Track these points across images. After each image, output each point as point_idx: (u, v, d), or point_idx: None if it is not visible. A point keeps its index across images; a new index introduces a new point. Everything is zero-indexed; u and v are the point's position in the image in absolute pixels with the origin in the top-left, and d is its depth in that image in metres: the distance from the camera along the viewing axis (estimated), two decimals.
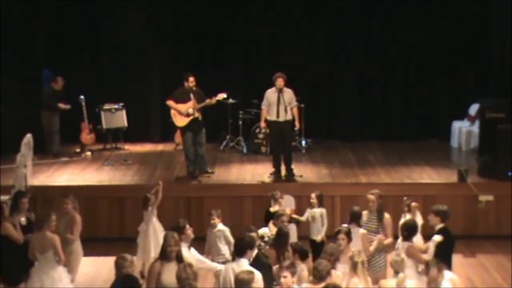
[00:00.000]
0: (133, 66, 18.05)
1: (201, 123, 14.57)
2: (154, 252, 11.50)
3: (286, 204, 12.43)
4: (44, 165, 15.65)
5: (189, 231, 9.70)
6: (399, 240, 10.00)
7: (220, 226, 11.23)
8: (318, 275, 8.26)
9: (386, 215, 10.93)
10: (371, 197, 10.98)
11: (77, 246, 11.28)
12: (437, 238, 9.88)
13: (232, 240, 10.96)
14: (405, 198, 11.51)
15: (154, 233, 12.08)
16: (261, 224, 12.07)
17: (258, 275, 8.29)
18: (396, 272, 8.90)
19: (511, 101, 15.36)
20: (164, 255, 8.84)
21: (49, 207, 12.07)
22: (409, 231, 9.96)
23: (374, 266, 10.48)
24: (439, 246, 9.76)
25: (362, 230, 10.57)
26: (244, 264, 8.52)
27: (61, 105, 16.43)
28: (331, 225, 12.84)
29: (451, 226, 13.25)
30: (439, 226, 10.03)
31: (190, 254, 9.46)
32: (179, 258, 8.88)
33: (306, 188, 13.66)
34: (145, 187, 14.35)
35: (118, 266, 8.45)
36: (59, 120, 16.46)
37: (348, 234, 9.73)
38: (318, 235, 11.70)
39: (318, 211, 11.77)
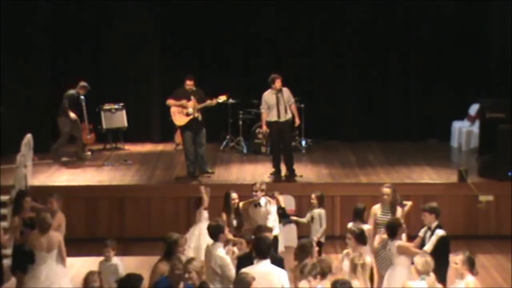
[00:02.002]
0: (133, 66, 18.06)
1: (201, 123, 14.57)
2: (192, 253, 11.15)
3: (286, 204, 12.43)
4: (44, 165, 15.64)
5: (227, 231, 9.47)
6: (389, 241, 9.94)
7: (114, 260, 10.09)
8: (321, 272, 8.25)
9: (399, 209, 10.81)
10: (387, 190, 10.85)
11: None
12: (440, 232, 9.85)
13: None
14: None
15: (198, 236, 11.68)
16: None
17: (284, 274, 8.39)
18: (424, 274, 8.63)
19: (511, 101, 15.36)
20: (170, 255, 8.81)
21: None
22: (391, 229, 9.91)
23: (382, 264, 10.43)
24: (441, 240, 9.73)
25: (366, 226, 10.56)
26: (267, 264, 8.44)
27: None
28: (331, 225, 12.88)
29: (451, 226, 13.34)
30: (435, 223, 10.00)
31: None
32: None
33: (306, 188, 13.66)
34: (145, 187, 14.40)
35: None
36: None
37: (358, 235, 9.58)
38: (315, 236, 11.67)
39: (317, 211, 11.73)
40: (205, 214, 11.83)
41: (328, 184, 14.23)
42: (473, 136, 16.62)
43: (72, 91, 16.09)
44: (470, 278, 8.71)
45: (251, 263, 8.60)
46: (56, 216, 11.09)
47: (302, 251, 8.98)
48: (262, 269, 8.34)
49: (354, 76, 18.21)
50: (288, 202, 12.94)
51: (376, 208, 10.92)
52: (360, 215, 10.74)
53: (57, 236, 10.22)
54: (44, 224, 10.17)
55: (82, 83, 16.22)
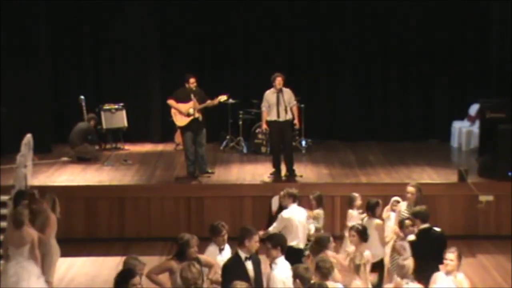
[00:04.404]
0: (133, 66, 18.05)
1: (201, 123, 14.56)
2: None
3: None
4: (44, 165, 15.64)
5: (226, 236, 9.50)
6: None
7: None
8: (324, 272, 8.22)
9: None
10: (411, 189, 10.90)
11: (54, 247, 11.08)
12: (410, 237, 9.86)
13: None
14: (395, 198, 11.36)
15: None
16: (261, 224, 12.07)
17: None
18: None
19: (511, 101, 15.36)
20: (183, 256, 8.82)
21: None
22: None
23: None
24: (412, 246, 9.65)
25: (377, 221, 10.58)
26: (283, 261, 8.58)
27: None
28: (331, 225, 12.87)
29: (451, 226, 13.34)
30: (421, 226, 9.96)
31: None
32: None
33: (306, 188, 13.63)
34: (145, 187, 14.38)
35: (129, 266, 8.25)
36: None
37: (361, 232, 9.53)
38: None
39: (315, 212, 11.71)
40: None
41: (328, 184, 14.23)
42: (473, 136, 16.63)
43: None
44: (461, 276, 8.77)
45: (239, 265, 8.65)
46: (50, 216, 11.09)
47: (318, 245, 8.90)
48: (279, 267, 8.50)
49: (354, 76, 18.20)
50: None
51: (401, 205, 10.96)
52: (372, 209, 10.72)
53: (30, 234, 10.16)
54: (17, 220, 10.21)
55: (91, 115, 16.70)
